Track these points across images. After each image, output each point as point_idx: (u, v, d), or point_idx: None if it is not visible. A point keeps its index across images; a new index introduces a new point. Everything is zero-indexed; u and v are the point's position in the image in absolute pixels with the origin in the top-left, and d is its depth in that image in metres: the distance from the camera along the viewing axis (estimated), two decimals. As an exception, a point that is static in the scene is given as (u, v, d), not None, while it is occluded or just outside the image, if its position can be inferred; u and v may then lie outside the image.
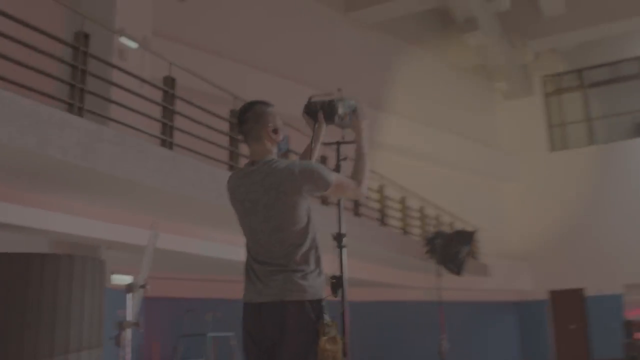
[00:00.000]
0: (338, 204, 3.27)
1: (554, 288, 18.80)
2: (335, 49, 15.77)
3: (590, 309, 18.22)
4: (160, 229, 5.47)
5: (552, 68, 20.39)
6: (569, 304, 18.51)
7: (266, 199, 2.98)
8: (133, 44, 7.99)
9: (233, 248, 9.41)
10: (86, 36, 6.48)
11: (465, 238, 7.91)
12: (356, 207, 11.36)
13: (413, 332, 16.19)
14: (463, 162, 18.32)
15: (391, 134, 16.05)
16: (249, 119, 3.09)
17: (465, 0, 14.49)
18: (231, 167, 8.22)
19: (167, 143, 7.19)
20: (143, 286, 4.86)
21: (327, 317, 2.94)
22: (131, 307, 4.82)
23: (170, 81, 7.59)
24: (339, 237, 3.20)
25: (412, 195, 14.30)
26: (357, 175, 3.14)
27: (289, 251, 2.97)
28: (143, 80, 7.43)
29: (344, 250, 3.17)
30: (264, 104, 3.13)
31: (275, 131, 3.08)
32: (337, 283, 3.09)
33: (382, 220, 12.52)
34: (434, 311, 17.55)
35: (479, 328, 16.83)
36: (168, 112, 7.45)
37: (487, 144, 19.75)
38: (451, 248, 7.75)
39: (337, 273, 3.10)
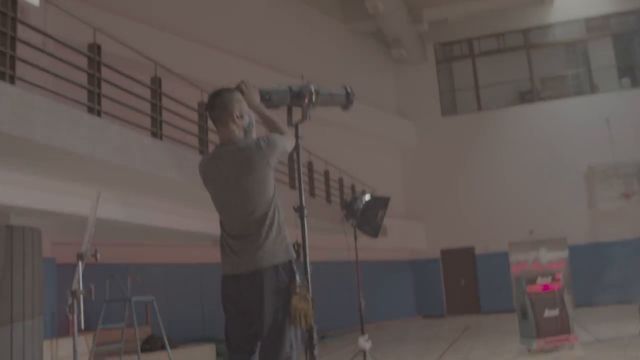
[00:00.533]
0: (299, 180, 3.62)
1: (446, 247, 19.91)
2: (238, 8, 15.65)
3: (479, 266, 19.53)
4: (89, 197, 5.46)
5: (444, 37, 21.29)
6: (460, 262, 19.70)
7: (237, 175, 3.25)
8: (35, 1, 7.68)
9: (155, 214, 9.39)
10: (14, 2, 6.20)
11: (382, 203, 8.29)
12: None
13: (330, 291, 16.72)
14: (359, 125, 18.60)
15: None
16: (216, 106, 3.35)
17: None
18: (153, 134, 8.19)
19: (94, 110, 7.05)
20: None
21: (298, 278, 3.25)
22: (81, 276, 4.83)
23: (95, 48, 7.39)
24: (300, 209, 3.54)
25: (316, 158, 14.64)
26: (280, 130, 3.46)
27: (260, 220, 3.24)
28: (71, 47, 7.18)
29: (305, 220, 3.53)
30: (230, 91, 3.37)
31: (241, 116, 3.34)
32: (299, 249, 3.44)
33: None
34: (346, 270, 18.15)
35: (378, 286, 17.58)
36: (94, 80, 7.27)
37: (382, 108, 20.38)
38: (369, 212, 8.10)
39: (299, 240, 3.48)
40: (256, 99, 3.50)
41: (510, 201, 19.08)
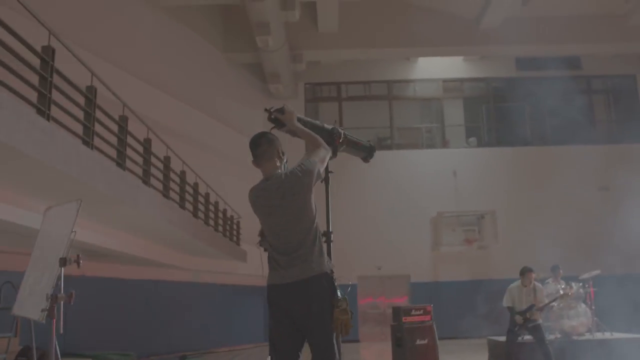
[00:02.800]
0: (327, 208, 4.24)
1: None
2: (123, 23, 15.68)
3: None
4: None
5: (315, 77, 22.44)
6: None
7: (282, 202, 3.83)
8: None
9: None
10: None
11: None
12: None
13: (192, 312, 16.76)
14: (232, 152, 19.00)
15: (168, 116, 16.40)
16: (262, 143, 4.00)
17: (262, 5, 15.42)
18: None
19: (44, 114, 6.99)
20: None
21: (339, 292, 3.82)
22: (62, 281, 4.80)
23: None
24: (327, 235, 4.15)
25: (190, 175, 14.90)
26: (314, 142, 4.08)
27: (304, 238, 3.82)
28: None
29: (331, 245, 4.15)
30: (272, 134, 4.04)
31: (283, 153, 4.03)
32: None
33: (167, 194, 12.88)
34: (208, 291, 18.16)
35: (233, 308, 17.91)
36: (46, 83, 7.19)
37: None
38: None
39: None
40: (295, 118, 4.10)
41: (363, 237, 20.23)
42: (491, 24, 19.91)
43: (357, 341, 19.96)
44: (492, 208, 20.67)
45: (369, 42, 20.33)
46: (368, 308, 20.75)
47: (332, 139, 4.33)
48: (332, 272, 3.89)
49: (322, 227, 4.07)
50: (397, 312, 9.99)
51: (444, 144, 22.40)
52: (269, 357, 3.92)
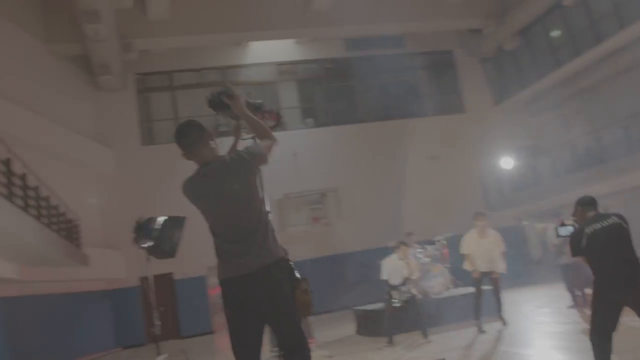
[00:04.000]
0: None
1: (145, 274, 19.70)
2: None
3: (178, 291, 19.86)
4: None
5: (145, 67, 21.56)
6: (159, 288, 19.63)
7: (232, 187, 3.59)
8: None
9: None
10: None
11: (178, 223, 8.32)
12: None
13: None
14: (59, 150, 17.94)
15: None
16: (191, 132, 3.74)
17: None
18: None
19: None
20: None
21: (297, 274, 3.70)
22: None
23: None
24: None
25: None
26: (264, 134, 3.90)
27: (255, 223, 3.60)
28: None
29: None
30: (196, 120, 3.84)
31: (214, 132, 3.81)
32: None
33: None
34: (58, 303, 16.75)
35: (77, 319, 16.86)
36: None
37: (80, 133, 19.74)
38: (165, 233, 8.05)
39: None
40: (243, 102, 3.87)
41: (207, 228, 19.82)
42: (322, 5, 20.19)
43: (211, 332, 19.64)
44: (334, 185, 21.15)
45: (200, 29, 19.85)
46: (219, 298, 20.38)
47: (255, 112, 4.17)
48: (286, 254, 3.83)
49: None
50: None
51: (282, 127, 22.49)
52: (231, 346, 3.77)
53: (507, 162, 21.89)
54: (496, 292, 10.38)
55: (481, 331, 10.16)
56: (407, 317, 10.54)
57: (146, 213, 19.32)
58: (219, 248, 3.73)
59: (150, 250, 8.18)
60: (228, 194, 3.64)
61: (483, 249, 10.22)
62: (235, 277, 3.61)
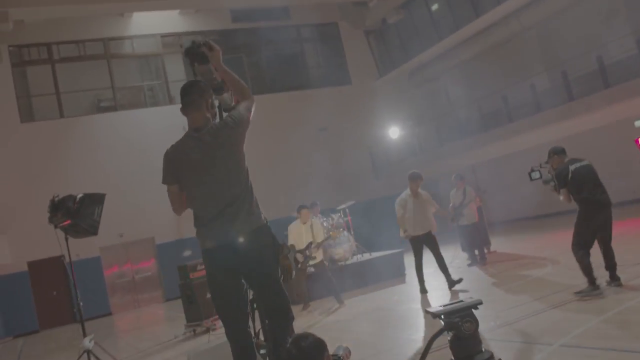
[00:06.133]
0: None
1: (33, 258, 18.84)
2: None
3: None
4: None
5: (22, 38, 20.23)
6: (50, 273, 18.87)
7: (223, 153, 3.62)
8: None
9: None
10: None
11: (97, 199, 7.88)
12: None
13: None
14: None
15: None
16: (193, 92, 3.72)
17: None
18: None
19: None
20: None
21: (277, 240, 3.78)
22: None
23: None
24: None
25: None
26: (242, 92, 3.90)
27: (242, 189, 3.64)
28: None
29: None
30: (205, 84, 3.78)
31: (212, 105, 3.79)
32: None
33: None
34: None
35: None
36: None
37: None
38: (84, 210, 7.61)
39: None
40: (221, 57, 3.76)
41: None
42: (206, -25, 19.85)
43: (109, 314, 19.14)
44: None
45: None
46: (115, 278, 19.90)
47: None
48: (267, 221, 3.82)
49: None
50: (183, 270, 9.87)
51: (171, 100, 21.95)
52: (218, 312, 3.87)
53: (393, 132, 22.73)
54: (437, 252, 10.03)
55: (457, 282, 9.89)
56: (319, 283, 10.86)
57: (31, 194, 18.59)
58: (204, 217, 3.71)
59: (68, 229, 7.83)
60: (221, 159, 3.68)
61: (418, 210, 10.09)
62: (226, 243, 3.65)
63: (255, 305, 4.04)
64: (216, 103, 3.99)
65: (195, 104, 3.77)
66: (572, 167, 7.13)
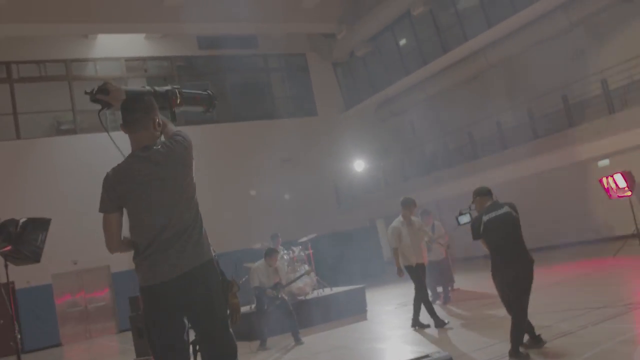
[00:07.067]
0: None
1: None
2: None
3: (20, 302, 18.27)
4: None
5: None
6: (-3, 299, 18.02)
7: (174, 174, 3.27)
8: None
9: None
10: None
11: (42, 225, 7.36)
12: None
13: None
14: None
15: None
16: (138, 109, 3.32)
17: None
18: None
19: None
20: None
21: (225, 276, 3.41)
22: None
23: None
24: None
25: None
26: (171, 127, 3.55)
27: (192, 218, 3.29)
28: None
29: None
30: (149, 94, 3.42)
31: (159, 124, 3.39)
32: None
33: None
34: None
35: None
36: None
37: None
38: (27, 236, 7.08)
39: None
40: (123, 95, 3.40)
41: (54, 232, 18.42)
42: (174, 1, 19.61)
43: (59, 345, 18.33)
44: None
45: (42, 17, 18.44)
46: (67, 307, 19.12)
47: (169, 103, 3.63)
48: (215, 257, 3.43)
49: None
50: (134, 301, 9.41)
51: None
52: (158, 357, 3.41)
53: (358, 165, 22.59)
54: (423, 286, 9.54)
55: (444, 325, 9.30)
56: (279, 319, 10.51)
57: (-18, 216, 17.78)
58: (148, 248, 3.29)
59: (8, 255, 7.31)
60: (173, 181, 3.30)
61: (414, 237, 9.59)
62: (170, 280, 3.25)
63: (197, 348, 3.56)
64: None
65: (140, 122, 3.36)
66: (485, 218, 6.38)
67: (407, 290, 10.26)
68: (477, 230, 6.45)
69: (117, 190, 3.33)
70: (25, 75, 20.52)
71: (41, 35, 19.69)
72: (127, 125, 3.37)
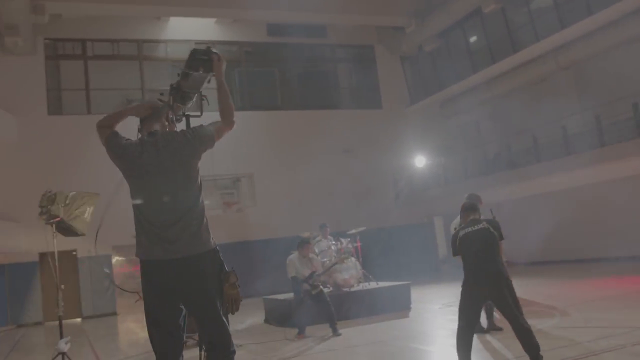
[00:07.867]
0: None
1: (45, 250, 18.77)
2: None
3: (81, 269, 19.03)
4: None
5: (56, 32, 20.41)
6: (61, 265, 18.74)
7: (171, 162, 3.41)
8: None
9: None
10: None
11: (89, 200, 7.74)
12: None
13: None
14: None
15: None
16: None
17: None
18: None
19: None
20: None
21: (226, 267, 3.52)
22: None
23: None
24: None
25: None
26: (226, 110, 3.70)
27: (190, 207, 3.40)
28: None
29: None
30: (162, 102, 3.78)
31: (171, 120, 3.75)
32: None
33: None
34: None
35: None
36: None
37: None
38: (76, 209, 7.49)
39: None
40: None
41: (116, 206, 18.98)
42: (245, -13, 19.87)
43: (114, 314, 18.97)
44: (249, 171, 20.94)
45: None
46: (125, 278, 19.76)
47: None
48: (217, 248, 3.59)
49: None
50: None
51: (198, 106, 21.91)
52: (149, 333, 3.59)
53: (419, 161, 22.39)
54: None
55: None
56: (317, 309, 10.57)
57: (50, 186, 18.51)
58: (146, 228, 3.49)
59: (57, 227, 7.65)
60: (169, 169, 3.47)
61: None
62: (162, 260, 3.43)
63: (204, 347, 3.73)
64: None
65: (152, 118, 3.75)
66: (461, 233, 6.20)
67: (456, 290, 10.11)
68: (454, 245, 6.31)
69: (117, 163, 3.64)
70: (99, 53, 21.24)
71: (116, 15, 20.28)
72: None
